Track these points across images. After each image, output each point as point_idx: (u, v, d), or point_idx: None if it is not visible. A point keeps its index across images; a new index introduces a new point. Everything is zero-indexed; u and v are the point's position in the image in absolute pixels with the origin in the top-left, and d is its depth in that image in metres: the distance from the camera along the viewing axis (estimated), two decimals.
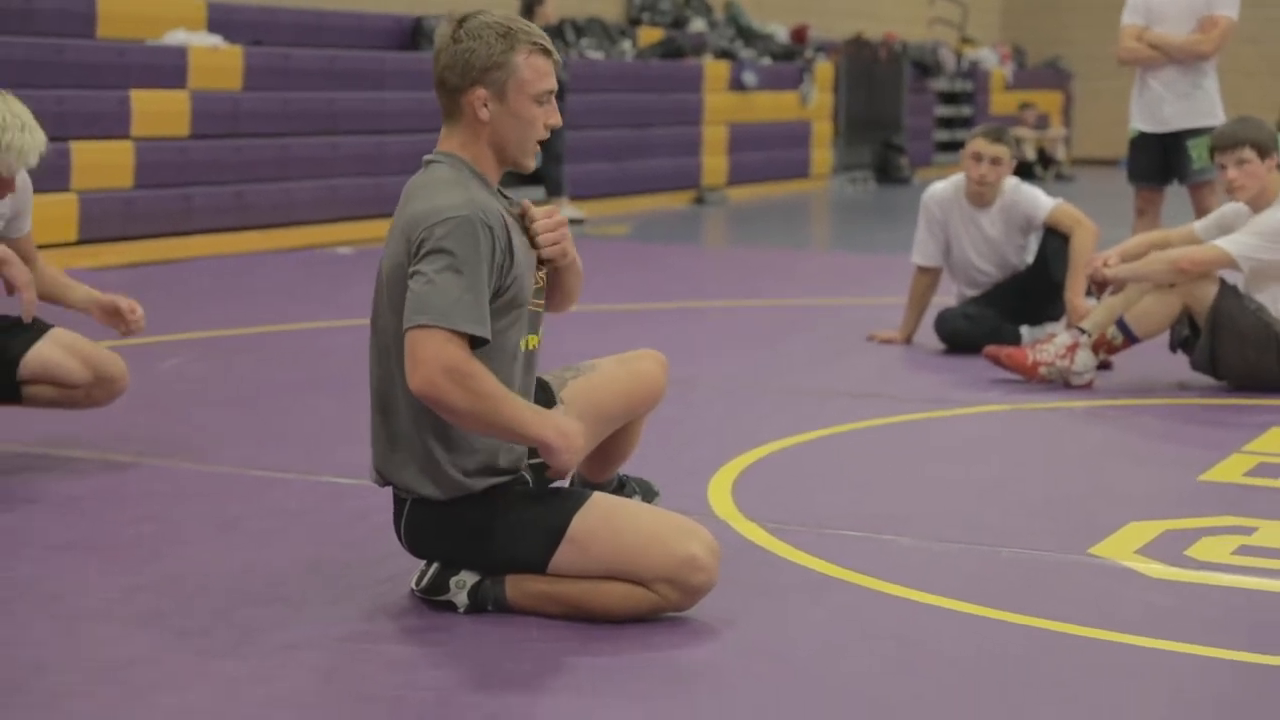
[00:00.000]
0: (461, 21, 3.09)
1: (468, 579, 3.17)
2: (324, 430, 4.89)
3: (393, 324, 3.08)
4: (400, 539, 3.22)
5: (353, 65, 10.54)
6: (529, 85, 3.09)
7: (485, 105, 3.09)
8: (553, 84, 3.11)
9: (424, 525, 3.16)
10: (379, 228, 10.48)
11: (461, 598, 3.16)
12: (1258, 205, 5.53)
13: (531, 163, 3.20)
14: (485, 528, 3.11)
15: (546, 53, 3.10)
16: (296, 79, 10.07)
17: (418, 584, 3.21)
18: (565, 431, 3.03)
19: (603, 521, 3.08)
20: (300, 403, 5.32)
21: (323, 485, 4.17)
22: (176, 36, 9.52)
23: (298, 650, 2.95)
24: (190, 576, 3.38)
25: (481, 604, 3.16)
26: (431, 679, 2.85)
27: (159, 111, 9.12)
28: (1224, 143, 5.52)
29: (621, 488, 3.76)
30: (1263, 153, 5.47)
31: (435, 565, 3.19)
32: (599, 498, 3.13)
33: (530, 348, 3.19)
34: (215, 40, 9.64)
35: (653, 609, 3.09)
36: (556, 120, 3.13)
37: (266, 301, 7.78)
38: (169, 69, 9.25)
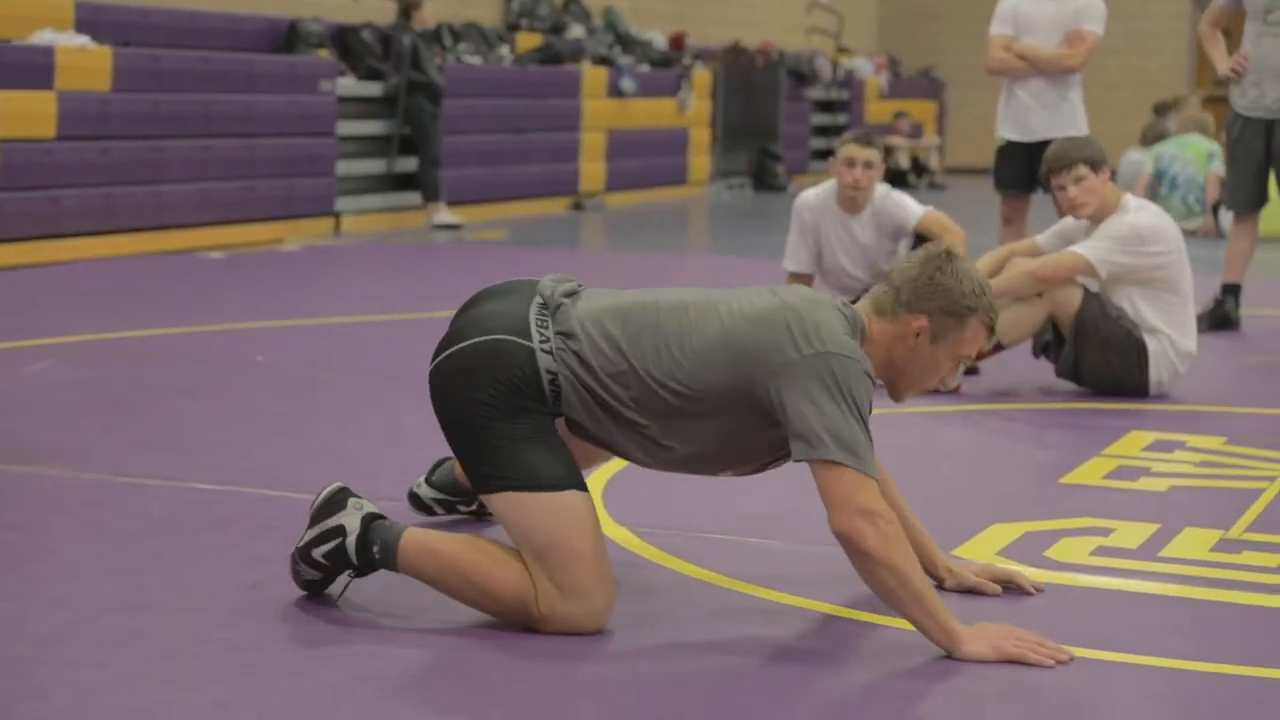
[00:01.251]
0: (950, 257, 3.17)
1: (368, 505, 3.16)
2: (193, 436, 4.84)
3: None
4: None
5: (225, 67, 10.42)
6: (964, 347, 3.18)
7: (918, 335, 3.15)
8: (974, 353, 3.23)
9: (481, 359, 3.07)
10: (251, 232, 10.40)
11: (354, 521, 3.14)
12: (1099, 218, 5.65)
13: (900, 400, 3.29)
14: (506, 410, 3.05)
15: (993, 330, 3.21)
16: (167, 80, 9.94)
17: (312, 505, 3.19)
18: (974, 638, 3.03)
19: (557, 507, 3.04)
20: (169, 408, 5.26)
21: (189, 491, 4.13)
22: (43, 36, 9.35)
23: (159, 658, 2.92)
24: (53, 584, 3.33)
25: (369, 541, 3.12)
26: (292, 687, 2.83)
27: (24, 112, 8.94)
28: (1058, 164, 5.62)
29: None
30: (1096, 167, 5.59)
31: (336, 484, 3.21)
32: (583, 497, 3.09)
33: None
34: (83, 40, 9.48)
35: (524, 611, 3.08)
36: (950, 382, 3.32)
37: (136, 306, 7.67)
38: (35, 69, 9.07)
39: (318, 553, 3.18)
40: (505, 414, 3.05)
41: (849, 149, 6.32)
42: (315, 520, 3.20)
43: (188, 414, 5.18)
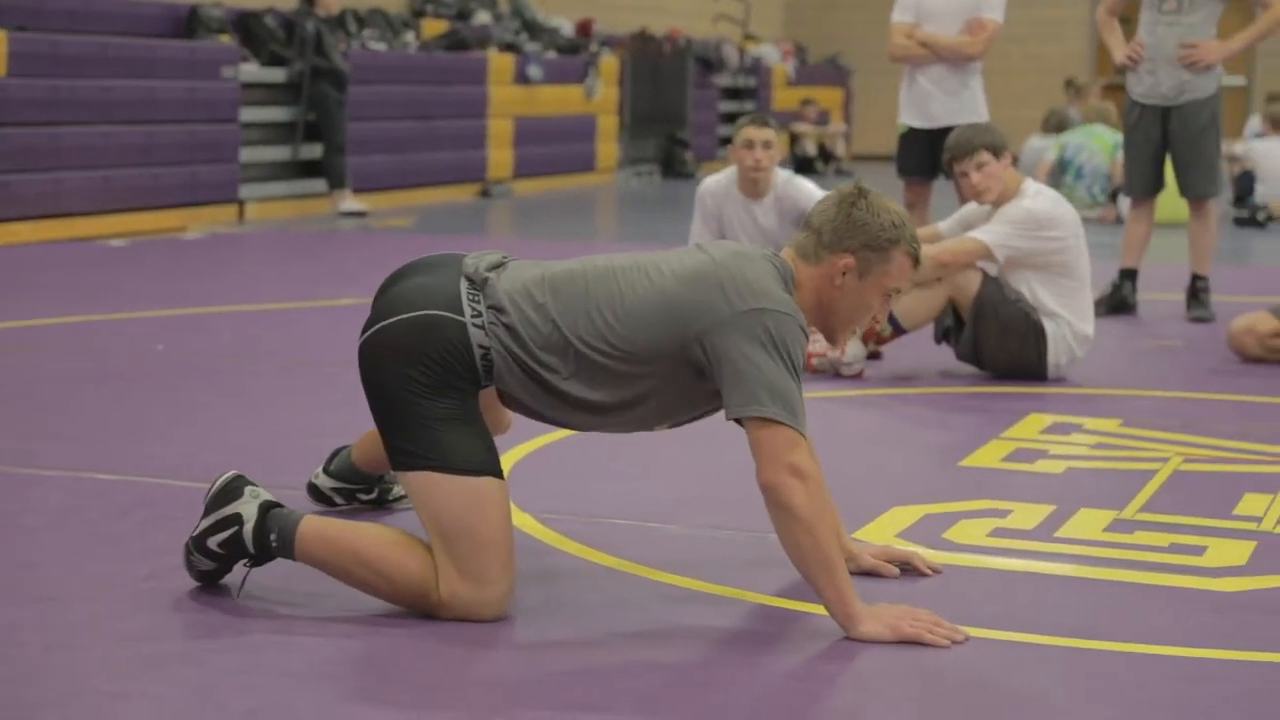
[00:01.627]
0: (863, 192, 3.16)
1: (264, 493, 3.14)
2: (93, 426, 4.78)
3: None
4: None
5: (125, 53, 10.29)
6: (890, 280, 3.18)
7: (845, 274, 3.14)
8: (903, 286, 3.22)
9: (414, 334, 3.05)
10: (151, 219, 10.27)
11: (251, 509, 3.12)
12: (1001, 203, 5.71)
13: (837, 342, 3.30)
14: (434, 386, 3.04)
15: (917, 263, 3.21)
16: (66, 66, 9.79)
17: (207, 494, 3.16)
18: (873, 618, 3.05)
19: (471, 491, 3.03)
20: (69, 398, 5.19)
21: (89, 482, 4.08)
22: None
23: (55, 651, 2.89)
24: None
25: (266, 529, 3.10)
26: (190, 676, 2.81)
27: None
28: (960, 151, 5.69)
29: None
30: (997, 154, 5.66)
31: (231, 472, 3.19)
32: (499, 484, 3.08)
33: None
34: None
35: (424, 596, 3.07)
36: (882, 319, 3.28)
37: (36, 295, 7.55)
38: None
39: (213, 542, 3.15)
40: (433, 391, 3.05)
41: (747, 131, 6.35)
42: (210, 509, 3.17)
43: (88, 404, 5.11)
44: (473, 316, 3.08)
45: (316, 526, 3.12)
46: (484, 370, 3.09)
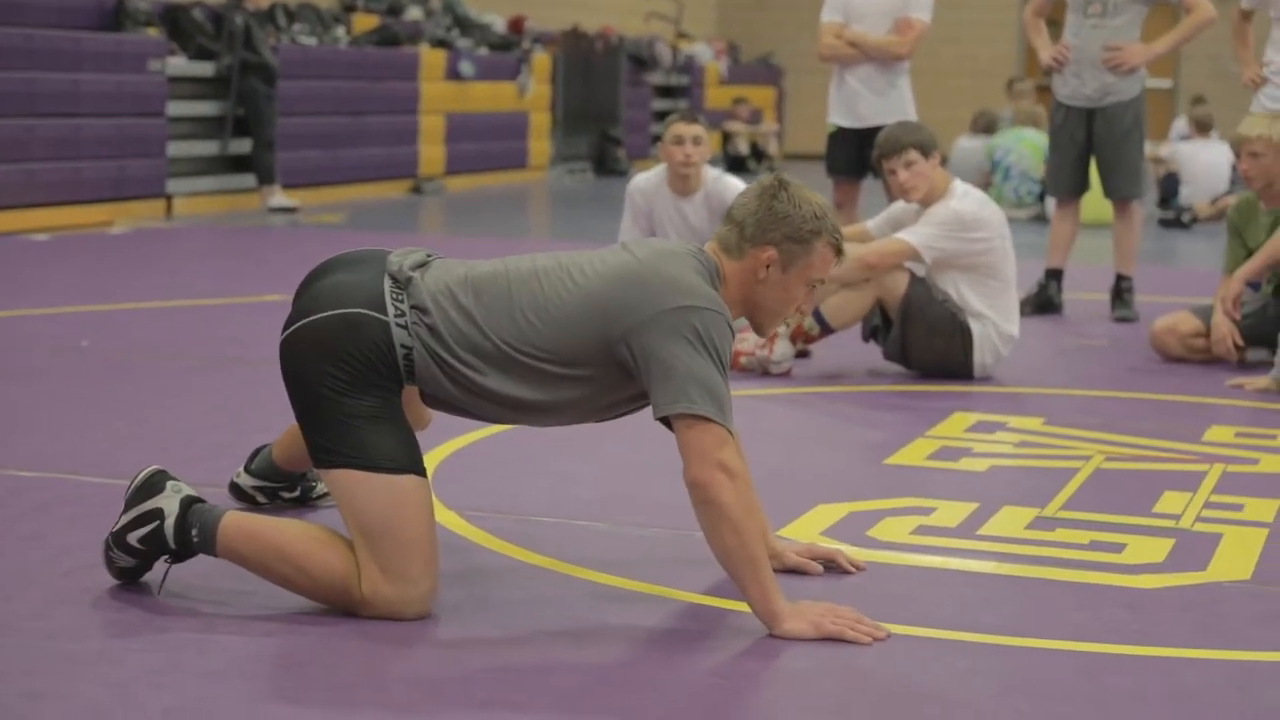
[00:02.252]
0: (784, 184, 3.17)
1: (186, 489, 3.12)
2: (10, 422, 4.72)
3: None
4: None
5: (50, 45, 10.16)
6: (813, 271, 3.19)
7: (769, 266, 3.14)
8: (826, 276, 3.22)
9: (337, 332, 3.03)
10: (76, 214, 10.16)
11: (173, 504, 3.08)
12: (928, 201, 5.76)
13: (765, 334, 3.31)
14: (354, 381, 3.02)
15: (840, 253, 3.22)
16: None
17: (127, 489, 3.13)
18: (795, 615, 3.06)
19: (393, 489, 3.01)
20: None
21: (5, 478, 4.03)
22: None
23: None
24: None
25: (188, 524, 3.07)
26: (108, 674, 2.78)
27: None
28: (890, 149, 5.72)
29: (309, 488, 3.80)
30: (926, 152, 5.69)
31: (153, 467, 3.16)
32: (421, 483, 3.06)
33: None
34: None
35: (345, 594, 3.05)
36: (808, 310, 3.29)
37: None
38: None
39: (133, 537, 3.12)
40: (355, 389, 3.03)
41: (676, 127, 6.37)
42: (131, 504, 3.14)
43: (7, 399, 5.05)
44: (396, 316, 3.07)
45: (238, 521, 3.10)
46: (406, 370, 3.08)
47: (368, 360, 3.04)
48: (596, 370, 3.10)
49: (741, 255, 3.19)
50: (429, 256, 3.21)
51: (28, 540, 3.51)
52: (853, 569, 3.49)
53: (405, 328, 3.06)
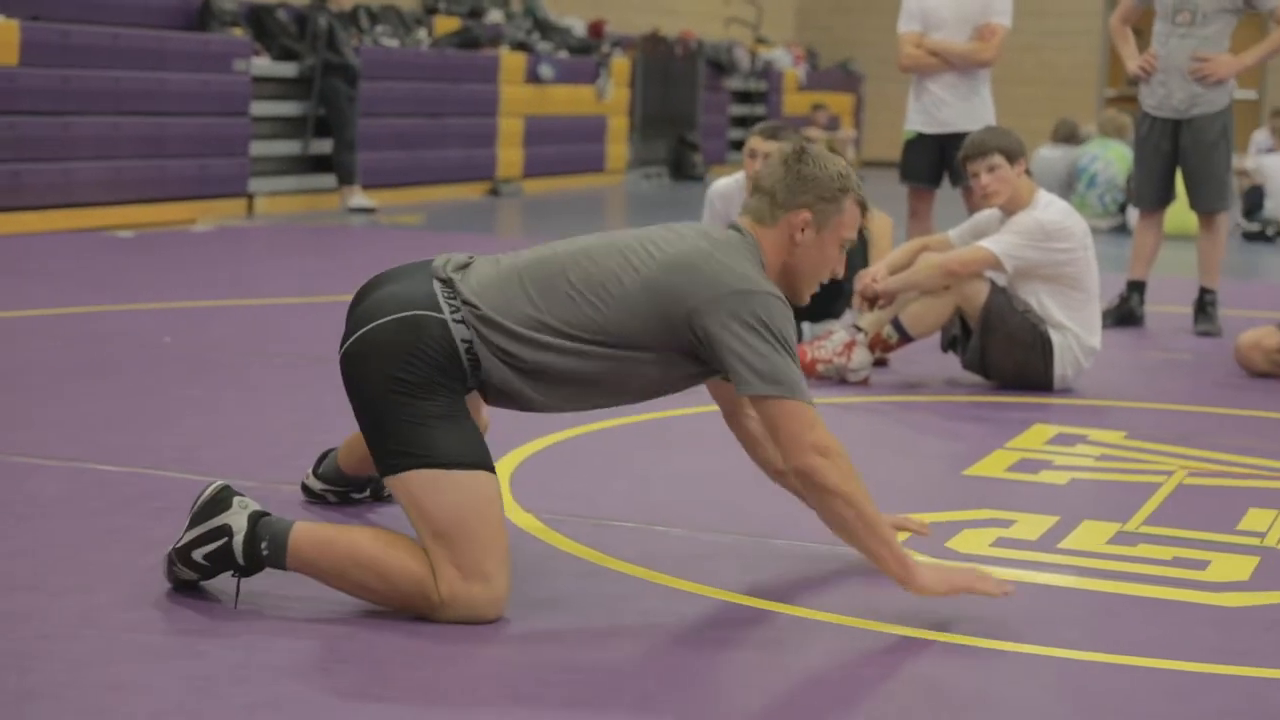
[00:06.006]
0: (805, 149, 3.26)
1: (252, 504, 3.12)
2: (94, 416, 4.78)
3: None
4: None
5: (136, 44, 10.29)
6: (844, 229, 3.25)
7: (804, 229, 3.19)
8: (855, 234, 3.28)
9: (400, 335, 3.05)
10: (161, 211, 10.28)
11: (241, 520, 3.08)
12: (1011, 209, 5.71)
13: (802, 301, 3.33)
14: (419, 385, 3.04)
15: (865, 208, 3.29)
16: (77, 56, 9.80)
17: (193, 505, 3.13)
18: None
19: (466, 486, 3.02)
20: (72, 388, 5.19)
21: (88, 472, 4.08)
22: None
23: (51, 640, 2.88)
24: None
25: (258, 538, 3.06)
26: (189, 668, 2.80)
27: None
28: (975, 151, 5.69)
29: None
30: (1011, 158, 5.65)
31: (218, 482, 3.16)
32: (491, 479, 3.08)
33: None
34: None
35: (423, 597, 3.04)
36: (840, 272, 3.32)
37: (43, 284, 7.56)
38: None
39: (199, 554, 3.10)
40: (422, 390, 3.05)
41: (754, 141, 6.37)
42: (197, 520, 3.11)
43: (92, 394, 5.11)
44: (451, 313, 3.09)
45: (309, 532, 3.10)
46: (470, 365, 3.10)
47: (433, 360, 3.06)
48: (658, 353, 3.14)
49: (775, 222, 3.25)
50: (471, 258, 3.25)
51: (111, 534, 3.55)
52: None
53: (462, 322, 3.09)
